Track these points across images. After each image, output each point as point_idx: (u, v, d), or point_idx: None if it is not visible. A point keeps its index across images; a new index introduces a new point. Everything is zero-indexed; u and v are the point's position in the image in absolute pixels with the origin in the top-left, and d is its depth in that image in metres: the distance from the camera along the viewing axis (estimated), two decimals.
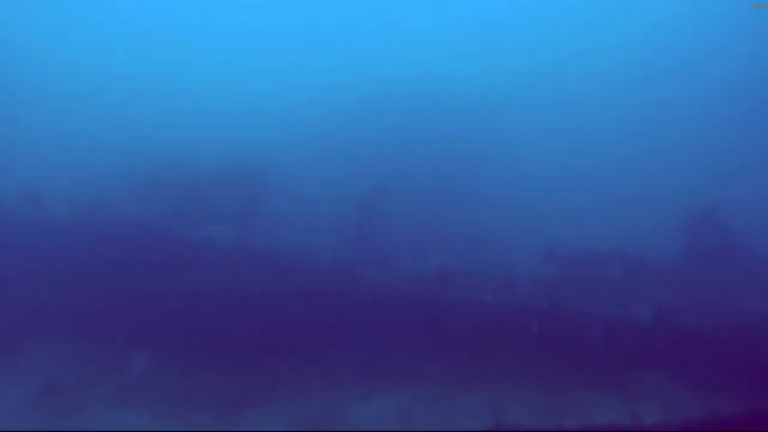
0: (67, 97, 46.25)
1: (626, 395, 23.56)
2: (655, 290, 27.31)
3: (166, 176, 31.56)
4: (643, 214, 38.07)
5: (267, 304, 26.04)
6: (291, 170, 34.79)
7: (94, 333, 26.38)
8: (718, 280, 28.91)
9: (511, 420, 21.67)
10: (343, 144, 38.48)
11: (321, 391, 23.88)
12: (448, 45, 54.46)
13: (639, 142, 48.52)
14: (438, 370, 24.47)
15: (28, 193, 29.56)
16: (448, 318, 25.40)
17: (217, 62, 53.80)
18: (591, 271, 28.50)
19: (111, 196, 30.02)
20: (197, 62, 53.66)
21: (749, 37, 58.30)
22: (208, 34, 59.23)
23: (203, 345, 25.65)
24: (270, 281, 26.43)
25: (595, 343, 24.94)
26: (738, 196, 36.71)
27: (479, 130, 41.94)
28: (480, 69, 47.82)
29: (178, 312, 26.16)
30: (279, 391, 24.07)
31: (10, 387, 24.23)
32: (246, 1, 62.45)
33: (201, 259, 27.46)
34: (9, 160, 33.96)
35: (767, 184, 44.21)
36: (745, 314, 25.78)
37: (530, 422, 21.99)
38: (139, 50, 55.42)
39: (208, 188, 31.20)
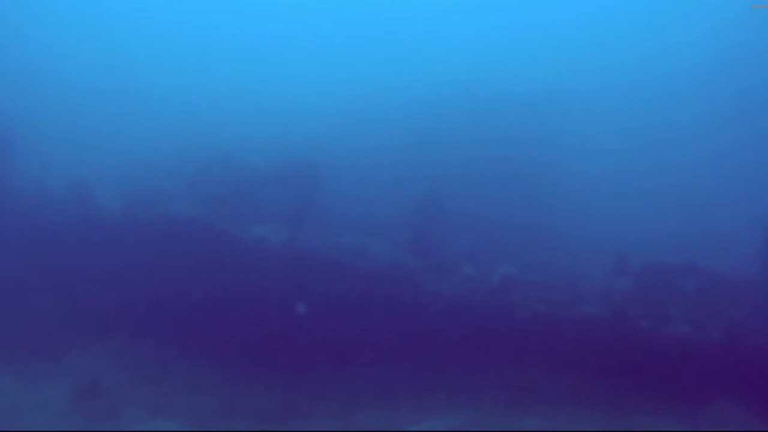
0: (118, 93, 45.74)
1: (695, 425, 22.20)
2: (732, 308, 25.49)
3: (217, 173, 30.68)
4: (721, 223, 36.35)
5: (318, 309, 24.93)
6: (347, 170, 33.78)
7: (139, 334, 25.62)
8: None
9: None
10: (402, 144, 37.10)
11: (370, 408, 22.64)
12: (513, 44, 52.55)
13: (716, 145, 46.32)
14: (495, 390, 23.39)
15: (76, 188, 28.73)
16: (510, 332, 24.27)
17: (273, 58, 52.64)
18: (663, 285, 26.80)
19: (161, 193, 29.09)
20: (252, 58, 52.61)
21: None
22: (262, 29, 58.14)
23: (248, 351, 24.87)
24: (321, 284, 25.29)
25: (664, 366, 23.67)
26: None
27: (545, 132, 40.17)
28: (546, 69, 45.92)
29: (224, 314, 25.35)
30: (326, 405, 22.94)
31: (51, 386, 23.01)
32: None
33: (251, 258, 26.54)
34: (58, 154, 33.30)
35: None
36: None
37: None
38: (192, 46, 54.67)
39: (260, 186, 30.27)
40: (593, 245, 31.28)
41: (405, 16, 59.93)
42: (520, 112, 39.27)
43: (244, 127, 35.06)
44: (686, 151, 44.86)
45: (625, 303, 24.52)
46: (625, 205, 37.62)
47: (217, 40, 56.47)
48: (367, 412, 22.29)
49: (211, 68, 51.10)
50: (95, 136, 38.13)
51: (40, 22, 55.36)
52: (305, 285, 25.21)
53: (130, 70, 50.06)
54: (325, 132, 35.88)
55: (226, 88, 46.56)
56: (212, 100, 43.56)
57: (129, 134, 38.41)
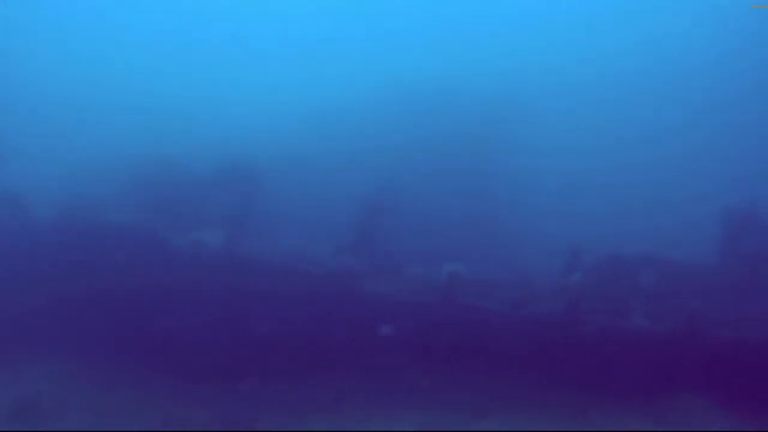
0: (55, 101, 44.53)
1: (656, 419, 21.64)
2: (690, 299, 24.57)
3: (157, 178, 29.53)
4: (675, 214, 35.84)
5: (257, 315, 23.99)
6: (289, 171, 32.59)
7: (73, 344, 24.33)
8: (761, 287, 26.32)
9: None
10: (347, 144, 36.28)
11: (316, 415, 21.55)
12: (465, 42, 51.92)
13: (668, 139, 46.25)
14: (447, 391, 22.41)
15: (8, 197, 27.31)
16: (460, 332, 23.32)
17: (212, 61, 51.56)
18: (619, 278, 25.99)
19: (98, 200, 28.07)
20: (190, 61, 51.62)
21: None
22: (200, 32, 57.09)
23: (186, 358, 23.63)
24: (262, 290, 24.25)
25: (623, 360, 22.89)
26: None
27: (497, 128, 39.67)
28: (499, 67, 45.33)
29: (159, 322, 24.21)
30: (269, 412, 21.73)
31: None
32: None
33: (189, 264, 25.58)
34: None
35: None
36: None
37: None
38: (129, 53, 53.44)
39: (202, 190, 29.19)
40: (548, 241, 30.22)
41: (357, 16, 58.85)
42: (473, 110, 38.59)
43: (186, 131, 33.85)
44: (642, 146, 44.77)
45: (580, 298, 23.71)
46: (582, 201, 37.07)
47: (160, 43, 55.19)
48: (314, 419, 21.31)
49: (153, 72, 49.76)
50: (33, 144, 36.65)
51: None
52: (244, 290, 24.30)
53: (71, 76, 48.59)
54: (268, 133, 34.69)
55: (167, 91, 45.17)
56: (154, 104, 42.18)
57: (68, 141, 37.06)
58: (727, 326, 23.63)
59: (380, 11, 59.25)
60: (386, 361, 23.27)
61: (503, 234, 32.71)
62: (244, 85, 46.64)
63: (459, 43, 51.36)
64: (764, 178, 37.83)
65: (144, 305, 24.69)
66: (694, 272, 27.05)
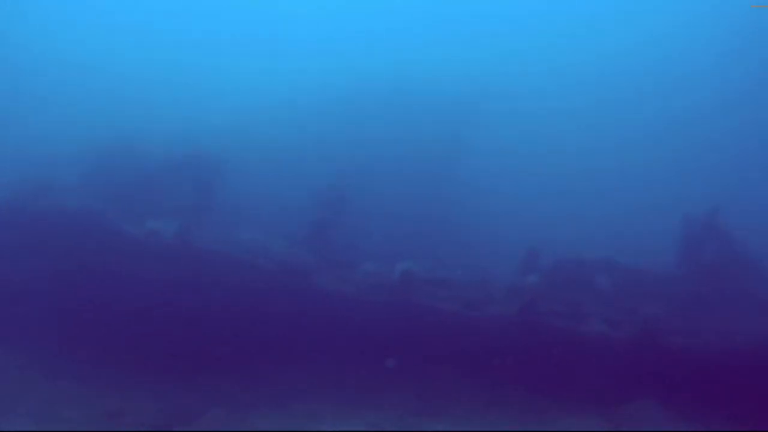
0: (10, 86, 43.58)
1: (612, 424, 21.07)
2: (647, 306, 24.69)
3: (115, 166, 28.91)
4: (635, 221, 35.91)
5: (207, 308, 23.48)
6: (248, 164, 32.07)
7: (17, 335, 23.78)
8: (718, 295, 26.18)
9: None
10: (307, 139, 35.86)
11: (264, 411, 20.80)
12: (426, 43, 51.79)
13: (632, 147, 46.69)
14: (397, 393, 22.01)
15: None
16: (412, 332, 22.84)
17: (177, 50, 50.90)
18: (576, 282, 25.86)
19: (53, 185, 27.61)
20: (151, 48, 50.91)
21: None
22: (162, 18, 56.48)
23: (136, 350, 23.14)
24: (213, 283, 23.76)
25: (579, 365, 22.64)
26: (742, 202, 34.36)
27: (456, 129, 39.28)
28: (462, 69, 44.98)
29: (109, 312, 23.64)
30: (218, 407, 20.87)
31: None
32: None
33: (142, 253, 24.92)
34: None
35: None
36: (748, 335, 23.31)
37: None
38: (88, 38, 52.75)
39: (159, 180, 28.74)
40: (506, 243, 30.24)
41: (320, 12, 58.47)
42: (434, 111, 38.50)
43: (146, 120, 33.22)
44: (605, 153, 44.96)
45: (536, 300, 23.30)
46: (542, 204, 37.19)
47: (121, 28, 54.52)
48: (261, 416, 20.56)
49: (113, 59, 49.09)
50: None
51: None
52: (196, 282, 23.74)
53: (26, 61, 47.75)
54: (228, 124, 34.14)
55: (127, 78, 44.53)
56: (114, 91, 41.53)
57: (24, 126, 36.33)
58: (684, 333, 23.45)
59: (343, 8, 58.82)
60: (337, 358, 22.75)
61: (460, 234, 32.58)
62: (205, 74, 46.19)
63: (420, 44, 51.22)
64: (725, 188, 37.85)
65: (93, 294, 24.04)
66: (653, 279, 26.87)
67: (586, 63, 57.52)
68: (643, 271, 27.03)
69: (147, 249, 24.87)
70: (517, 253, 27.21)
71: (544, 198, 38.35)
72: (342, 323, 22.99)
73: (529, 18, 61.30)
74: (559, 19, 61.59)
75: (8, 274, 24.96)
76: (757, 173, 44.93)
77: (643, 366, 22.49)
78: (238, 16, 57.60)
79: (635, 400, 21.85)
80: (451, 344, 22.73)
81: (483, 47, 54.23)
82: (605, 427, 20.90)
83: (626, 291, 25.86)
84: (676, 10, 60.40)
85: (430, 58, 46.14)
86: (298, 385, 22.35)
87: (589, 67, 57.23)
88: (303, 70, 43.92)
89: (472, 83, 41.66)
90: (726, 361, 22.22)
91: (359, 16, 58.05)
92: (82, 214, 25.99)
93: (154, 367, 22.70)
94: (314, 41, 52.77)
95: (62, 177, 28.44)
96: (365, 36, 54.03)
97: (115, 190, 27.87)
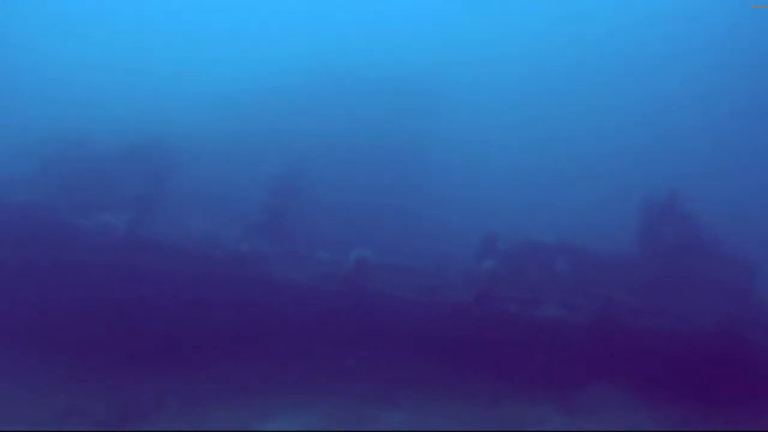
0: None
1: (572, 409, 21.10)
2: (607, 289, 24.40)
3: (62, 156, 28.07)
4: (594, 204, 35.42)
5: (161, 301, 22.87)
6: (201, 153, 31.28)
7: None
8: (678, 278, 25.95)
9: None
10: (261, 126, 35.13)
11: (217, 406, 20.37)
12: (384, 32, 51.27)
13: (590, 130, 46.80)
14: (353, 381, 21.69)
15: None
16: (367, 319, 22.60)
17: (125, 36, 49.91)
18: (534, 267, 25.46)
19: (1, 178, 26.49)
20: (101, 35, 49.85)
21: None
22: (112, 4, 55.20)
23: (83, 350, 22.28)
24: (166, 274, 23.23)
25: (537, 350, 22.53)
26: (702, 184, 33.79)
27: (413, 118, 38.91)
28: (420, 56, 44.91)
29: (59, 308, 23.01)
30: (169, 404, 20.54)
31: None
32: None
33: (93, 246, 24.26)
34: None
35: (736, 174, 43.01)
36: (707, 317, 23.42)
37: None
38: (36, 26, 51.53)
39: (111, 170, 27.81)
40: (463, 230, 29.41)
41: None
42: (390, 98, 38.03)
43: (95, 108, 32.46)
44: (565, 138, 45.04)
45: (493, 286, 22.88)
46: (500, 191, 36.65)
47: (70, 15, 53.31)
48: (215, 411, 20.10)
49: (62, 46, 47.94)
50: None
51: None
52: (149, 274, 23.19)
53: None
54: (180, 113, 33.45)
55: (76, 66, 43.56)
56: (62, 80, 40.59)
57: None
58: (644, 316, 23.42)
59: None
60: (290, 348, 22.33)
61: (416, 222, 32.06)
62: (157, 62, 45.25)
63: (378, 33, 50.68)
64: (684, 169, 37.76)
65: (43, 287, 23.44)
66: (612, 262, 26.55)
67: (546, 53, 57.39)
68: (602, 255, 26.68)
69: (98, 242, 24.22)
70: (474, 240, 26.68)
71: (502, 185, 37.96)
72: (295, 313, 22.68)
73: (491, 9, 60.93)
74: (522, 12, 61.36)
75: None
76: (715, 156, 45.02)
77: (602, 350, 22.40)
78: (191, 2, 56.60)
79: (594, 385, 21.85)
80: (407, 332, 22.39)
81: (442, 38, 54.03)
82: (564, 413, 20.76)
83: (585, 275, 25.54)
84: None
85: (388, 47, 45.58)
86: (250, 376, 21.84)
87: (548, 57, 57.09)
88: (259, 58, 43.14)
89: (431, 73, 41.35)
90: (686, 345, 22.33)
91: (317, 3, 57.34)
92: (31, 207, 25.33)
93: (103, 362, 22.10)
94: (271, 29, 52.01)
95: (10, 169, 27.56)
96: (323, 24, 53.43)
97: (65, 182, 27.01)
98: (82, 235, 24.48)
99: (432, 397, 21.13)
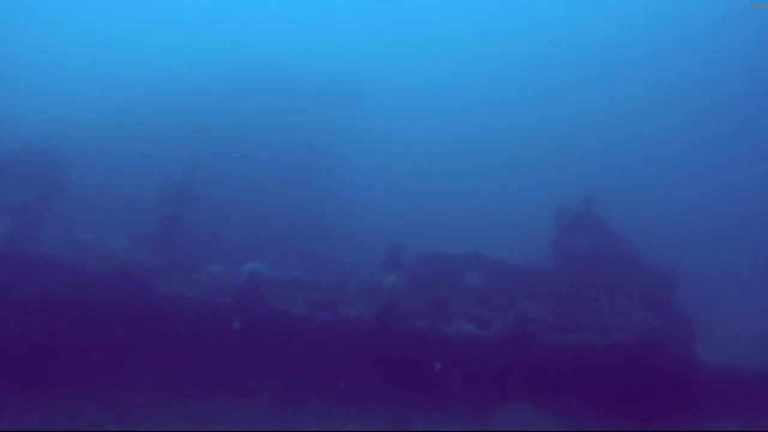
0: None
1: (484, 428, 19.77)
2: (521, 303, 23.10)
3: None
4: (508, 214, 34.89)
5: (40, 316, 20.54)
6: (90, 157, 29.67)
7: None
8: (594, 290, 25.15)
9: None
10: (154, 131, 33.30)
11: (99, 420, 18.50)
12: (295, 32, 50.38)
13: (506, 139, 46.36)
14: (245, 406, 19.76)
15: None
16: (258, 338, 20.71)
17: (10, 30, 47.35)
18: (442, 279, 24.39)
19: None
20: None
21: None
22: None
23: None
24: (47, 287, 20.84)
25: (446, 368, 20.91)
26: (620, 195, 33.42)
27: (324, 120, 37.37)
28: (337, 56, 43.78)
29: None
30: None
31: None
32: None
33: None
34: None
35: (655, 185, 43.40)
36: (625, 331, 22.20)
37: None
38: None
39: None
40: (369, 240, 28.79)
41: None
42: (300, 102, 36.64)
43: None
44: (477, 146, 44.41)
45: (397, 301, 21.42)
46: (407, 200, 35.94)
47: None
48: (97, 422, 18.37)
49: None
50: None
51: None
52: (26, 289, 20.84)
53: None
54: (71, 115, 31.58)
55: None
56: None
57: None
58: (559, 331, 22.15)
59: None
60: (175, 369, 20.37)
61: (319, 230, 31.06)
62: (46, 61, 42.79)
63: (287, 33, 49.54)
64: (600, 179, 37.27)
65: None
66: (526, 275, 25.69)
67: (468, 62, 57.11)
68: (516, 267, 25.81)
69: None
70: (380, 250, 25.57)
71: (411, 192, 37.27)
72: (182, 330, 20.72)
73: (415, 14, 60.41)
74: (445, 18, 61.02)
75: None
76: (630, 162, 44.89)
77: (517, 367, 21.17)
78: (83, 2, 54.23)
79: (509, 404, 20.62)
80: (304, 350, 20.76)
81: (360, 42, 53.25)
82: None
83: (497, 288, 24.64)
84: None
85: (299, 46, 44.24)
86: (130, 398, 19.77)
87: (468, 66, 56.79)
88: (159, 57, 41.08)
89: (344, 75, 39.97)
90: (603, 360, 21.25)
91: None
92: None
93: None
94: (167, 26, 50.09)
95: None
96: (227, 21, 51.79)
97: None
98: None
99: (330, 423, 19.46)
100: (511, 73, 56.80)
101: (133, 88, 36.22)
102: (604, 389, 20.79)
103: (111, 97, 35.20)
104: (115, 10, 51.50)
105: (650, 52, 59.56)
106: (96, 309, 20.84)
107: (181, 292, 21.18)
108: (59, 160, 27.38)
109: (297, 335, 20.76)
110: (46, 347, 20.48)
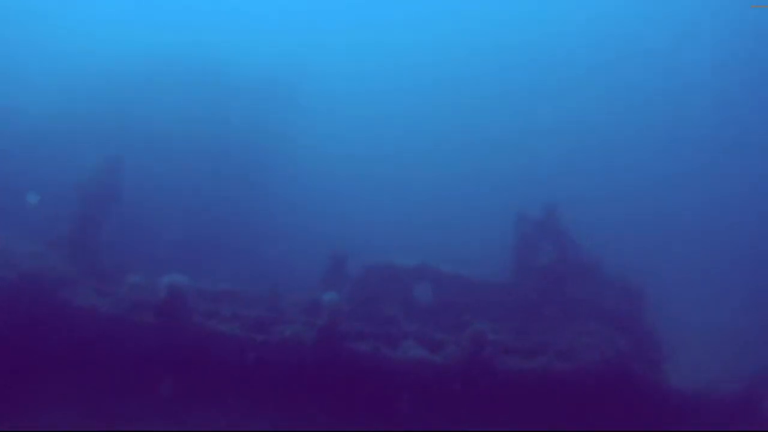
0: None
1: None
2: (477, 322, 20.66)
3: None
4: (462, 221, 34.25)
5: None
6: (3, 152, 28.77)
7: None
8: (557, 308, 23.56)
9: None
10: (76, 124, 31.30)
11: None
12: (234, 28, 48.70)
13: (457, 141, 46.17)
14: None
15: None
16: (180, 361, 18.77)
17: None
18: (390, 296, 22.63)
19: None
20: None
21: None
22: None
23: None
24: None
25: (393, 398, 19.22)
26: (584, 207, 31.95)
27: (268, 118, 35.81)
28: (278, 58, 42.15)
29: None
30: None
31: None
32: None
33: None
34: None
35: (621, 196, 42.66)
36: (590, 353, 20.64)
37: None
38: None
39: None
40: (306, 249, 27.69)
41: None
42: (239, 99, 35.42)
43: None
44: (430, 152, 43.90)
45: (338, 320, 19.44)
46: (349, 204, 34.84)
47: None
48: None
49: None
50: None
51: None
52: None
53: None
54: None
55: None
56: None
57: None
58: (519, 353, 20.50)
59: None
60: (87, 392, 18.50)
61: (253, 239, 29.58)
62: None
63: (227, 27, 48.45)
64: (564, 191, 35.94)
65: None
66: (481, 288, 24.00)
67: (421, 63, 56.70)
68: (470, 280, 24.08)
69: None
70: (320, 262, 23.98)
71: (356, 200, 35.74)
72: (95, 349, 18.76)
73: (364, 12, 59.29)
74: (393, 18, 60.10)
75: None
76: (595, 168, 45.27)
77: (472, 395, 19.52)
78: None
79: None
80: (231, 378, 18.91)
81: (308, 39, 52.37)
82: None
83: (451, 306, 22.86)
84: None
85: (239, 41, 42.56)
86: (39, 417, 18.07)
87: (422, 67, 56.37)
88: (81, 42, 38.89)
89: (283, 76, 38.60)
90: (569, 386, 19.79)
91: None
92: None
93: None
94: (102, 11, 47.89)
95: None
96: (164, 10, 49.72)
97: None
98: None
99: None
100: (464, 72, 56.12)
101: (53, 76, 34.33)
102: (570, 419, 19.37)
103: (29, 87, 33.50)
104: None
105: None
106: None
107: (94, 305, 19.26)
108: None
109: (224, 360, 18.87)
110: None
